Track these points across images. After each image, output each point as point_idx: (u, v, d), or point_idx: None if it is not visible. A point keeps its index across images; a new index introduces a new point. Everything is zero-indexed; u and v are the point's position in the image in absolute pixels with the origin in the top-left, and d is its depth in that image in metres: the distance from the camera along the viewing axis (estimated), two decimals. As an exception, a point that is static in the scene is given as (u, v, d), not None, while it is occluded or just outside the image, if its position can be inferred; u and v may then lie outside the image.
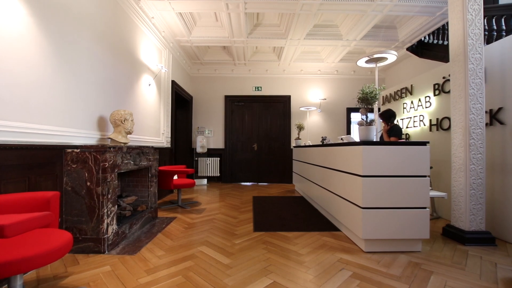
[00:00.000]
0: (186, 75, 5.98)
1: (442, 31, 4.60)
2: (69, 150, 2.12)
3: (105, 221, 2.12)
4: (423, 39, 4.93)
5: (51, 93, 2.03)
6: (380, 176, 2.11)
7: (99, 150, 2.11)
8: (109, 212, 2.16)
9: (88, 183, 2.10)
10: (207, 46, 5.63)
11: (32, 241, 1.31)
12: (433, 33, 4.77)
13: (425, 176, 2.13)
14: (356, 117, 7.26)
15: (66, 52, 2.18)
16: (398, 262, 1.96)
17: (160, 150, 4.20)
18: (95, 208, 2.10)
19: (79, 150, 2.12)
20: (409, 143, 2.15)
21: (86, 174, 2.11)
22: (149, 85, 3.90)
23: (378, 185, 2.11)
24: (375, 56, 2.42)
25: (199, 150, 6.02)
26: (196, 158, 6.22)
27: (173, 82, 4.87)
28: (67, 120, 2.20)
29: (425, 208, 2.12)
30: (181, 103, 6.00)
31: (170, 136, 4.80)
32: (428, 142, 2.16)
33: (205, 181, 6.14)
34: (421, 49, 5.02)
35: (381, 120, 3.46)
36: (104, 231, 2.11)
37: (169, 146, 4.76)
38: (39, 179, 1.92)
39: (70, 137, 2.22)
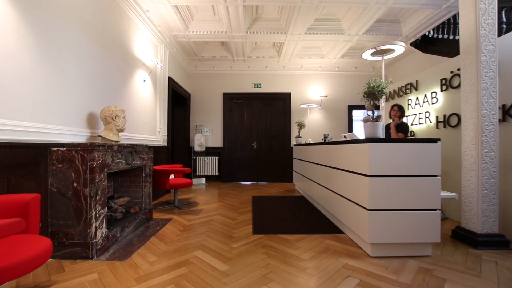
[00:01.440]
0: (183, 72, 5.82)
1: (448, 25, 4.45)
2: (54, 149, 1.98)
3: (94, 225, 1.98)
4: (427, 33, 4.79)
5: (34, 87, 1.88)
6: (387, 176, 1.97)
7: (86, 148, 1.96)
8: (97, 215, 2.02)
9: (75, 184, 1.96)
10: (205, 42, 5.47)
11: (3, 251, 1.17)
12: (438, 27, 4.63)
13: (436, 176, 1.99)
14: (358, 114, 7.13)
15: (50, 43, 2.03)
16: (407, 268, 1.83)
17: (156, 149, 4.06)
18: (82, 210, 1.95)
19: (65, 148, 1.98)
20: (419, 140, 2.01)
21: (73, 175, 1.96)
22: (144, 81, 3.75)
23: (385, 185, 1.97)
24: (382, 47, 2.28)
25: (197, 148, 5.87)
26: (194, 157, 6.08)
27: (169, 78, 4.72)
28: (52, 117, 2.05)
29: (435, 210, 1.98)
30: (178, 101, 5.85)
31: (166, 134, 4.65)
32: (439, 139, 2.02)
33: (203, 180, 6.00)
34: (425, 44, 4.87)
35: (394, 112, 3.28)
36: (92, 235, 1.97)
37: (166, 144, 4.61)
38: (21, 180, 1.77)
39: (56, 135, 2.08)
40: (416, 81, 3.76)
